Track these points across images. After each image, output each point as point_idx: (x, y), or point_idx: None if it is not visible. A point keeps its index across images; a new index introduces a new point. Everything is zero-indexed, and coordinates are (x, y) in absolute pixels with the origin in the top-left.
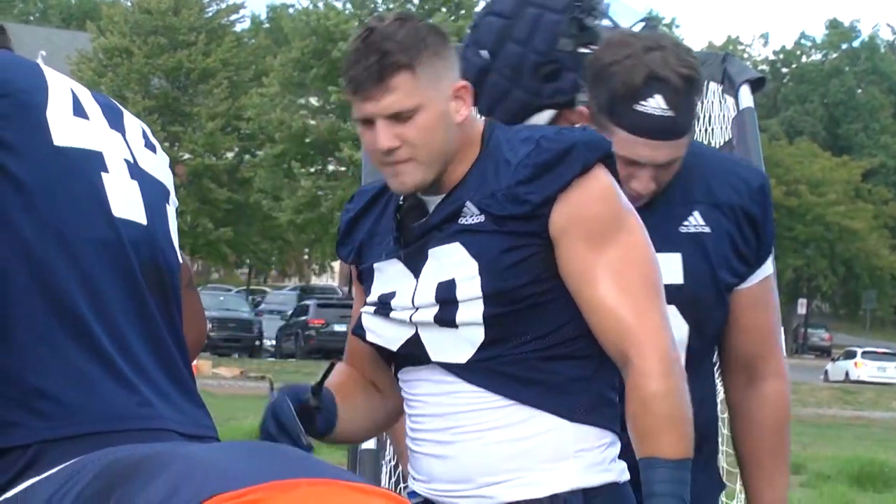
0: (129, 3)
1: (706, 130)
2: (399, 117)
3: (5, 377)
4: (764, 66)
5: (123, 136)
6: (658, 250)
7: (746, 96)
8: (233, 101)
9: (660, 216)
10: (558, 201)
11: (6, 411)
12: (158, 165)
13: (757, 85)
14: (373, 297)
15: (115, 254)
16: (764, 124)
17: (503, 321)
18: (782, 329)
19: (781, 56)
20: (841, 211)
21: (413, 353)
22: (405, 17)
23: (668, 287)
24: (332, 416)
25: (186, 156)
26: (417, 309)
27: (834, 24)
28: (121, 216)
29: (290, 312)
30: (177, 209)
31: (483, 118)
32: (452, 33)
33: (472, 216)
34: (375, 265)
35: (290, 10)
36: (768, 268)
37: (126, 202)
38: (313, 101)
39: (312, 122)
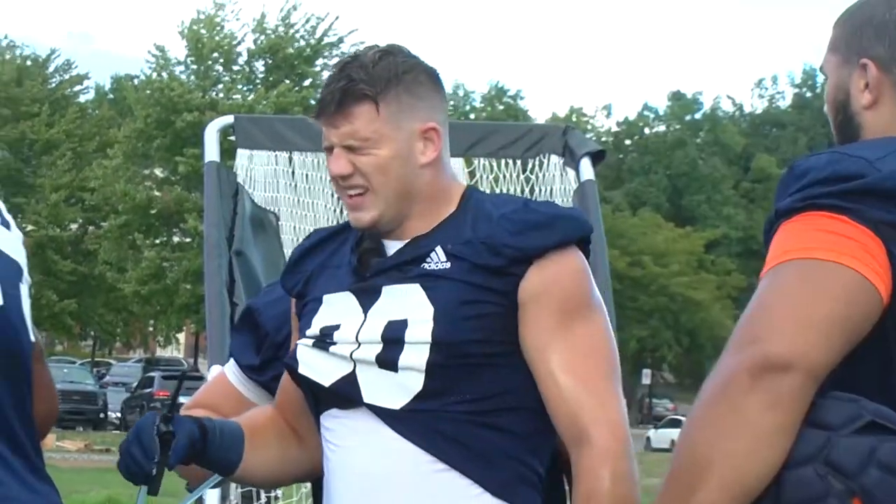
0: None
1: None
2: (354, 148)
3: None
4: (607, 138)
5: None
6: None
7: (587, 169)
8: (77, 173)
9: None
10: (534, 266)
11: None
12: (12, 243)
13: (598, 157)
14: (313, 330)
15: None
16: (608, 195)
17: (445, 374)
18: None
19: (625, 127)
20: (684, 282)
21: (345, 393)
22: (390, 51)
23: None
24: (231, 452)
25: (30, 227)
26: (360, 345)
27: (677, 96)
28: None
29: (135, 384)
30: (30, 287)
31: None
32: (296, 103)
33: (438, 262)
34: (325, 297)
35: (135, 81)
36: None
37: None
38: (158, 172)
39: (157, 194)
